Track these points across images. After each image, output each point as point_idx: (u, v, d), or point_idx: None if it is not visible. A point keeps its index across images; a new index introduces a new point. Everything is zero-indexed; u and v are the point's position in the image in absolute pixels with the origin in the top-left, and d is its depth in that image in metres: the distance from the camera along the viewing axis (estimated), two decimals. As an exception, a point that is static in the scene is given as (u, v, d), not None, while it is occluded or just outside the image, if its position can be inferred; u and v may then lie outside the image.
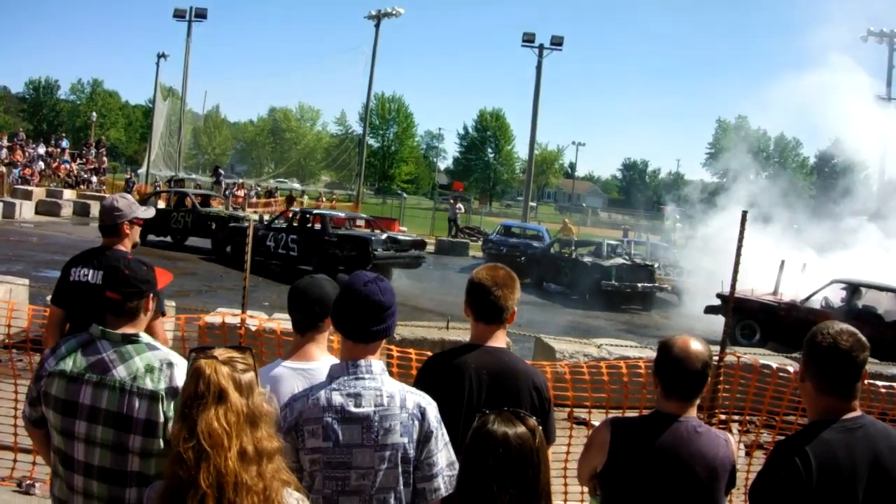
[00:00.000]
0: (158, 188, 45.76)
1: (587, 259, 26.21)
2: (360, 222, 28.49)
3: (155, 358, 3.42)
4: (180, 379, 3.37)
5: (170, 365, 3.42)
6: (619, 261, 25.50)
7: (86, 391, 3.35)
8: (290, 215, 26.54)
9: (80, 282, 5.22)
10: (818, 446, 2.94)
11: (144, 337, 3.51)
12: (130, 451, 3.32)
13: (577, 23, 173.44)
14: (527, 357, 9.12)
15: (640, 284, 24.56)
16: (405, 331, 9.79)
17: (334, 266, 20.99)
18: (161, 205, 30.88)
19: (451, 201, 47.52)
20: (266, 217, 30.75)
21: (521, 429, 2.74)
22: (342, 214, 29.73)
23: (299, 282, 3.70)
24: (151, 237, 27.33)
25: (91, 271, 5.22)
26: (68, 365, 3.40)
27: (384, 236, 23.19)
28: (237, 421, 2.47)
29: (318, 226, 24.16)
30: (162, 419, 3.33)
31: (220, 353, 2.60)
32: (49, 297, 5.68)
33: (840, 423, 3.01)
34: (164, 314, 5.22)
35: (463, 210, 47.25)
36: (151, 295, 3.62)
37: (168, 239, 28.47)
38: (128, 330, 3.49)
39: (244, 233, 24.79)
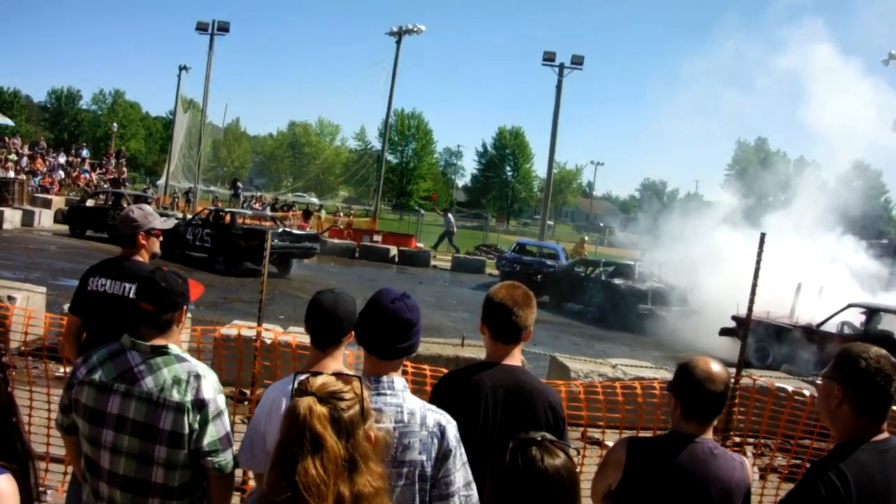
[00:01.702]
0: (176, 199, 46.40)
1: (619, 281, 25.96)
2: (267, 220, 32.43)
3: (183, 370, 3.44)
4: (207, 391, 3.39)
5: (197, 377, 3.43)
6: (655, 284, 25.20)
7: (114, 401, 3.38)
8: (206, 214, 30.59)
9: (98, 291, 5.22)
10: (855, 467, 2.92)
11: (174, 348, 3.53)
12: (155, 461, 3.35)
13: (598, 42, 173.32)
14: (541, 376, 9.11)
15: (674, 308, 24.00)
16: (420, 347, 9.73)
17: (240, 255, 26.33)
18: (90, 204, 33.78)
19: (443, 213, 48.03)
20: (188, 216, 33.85)
21: (563, 458, 2.75)
22: (249, 213, 34.53)
23: (322, 297, 3.63)
24: (90, 232, 31.19)
25: (109, 281, 5.22)
26: (98, 374, 3.44)
27: (280, 230, 27.33)
28: (335, 468, 2.32)
29: (227, 222, 28.31)
30: (187, 431, 3.35)
31: (322, 385, 2.43)
32: (66, 306, 5.69)
33: (871, 445, 2.99)
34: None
35: (453, 222, 46.92)
36: (185, 307, 3.64)
37: (105, 235, 30.51)
38: (158, 341, 3.51)
39: (171, 230, 27.33)
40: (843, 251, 24.10)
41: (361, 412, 2.43)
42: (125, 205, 30.12)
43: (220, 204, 44.30)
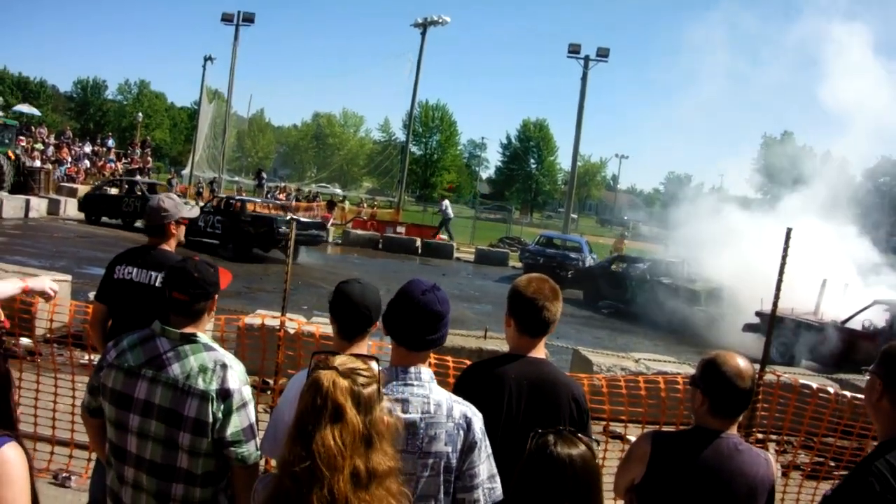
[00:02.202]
0: (201, 188, 46.87)
1: (668, 280, 24.75)
2: (276, 208, 33.01)
3: (210, 359, 3.46)
4: (233, 381, 3.41)
5: (223, 367, 3.45)
6: (709, 284, 23.64)
7: (141, 385, 3.40)
8: (217, 202, 31.72)
9: (125, 279, 5.25)
10: None
11: (203, 337, 3.55)
12: (180, 447, 3.37)
13: (624, 33, 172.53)
14: (564, 369, 9.08)
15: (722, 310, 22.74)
16: (442, 339, 9.74)
17: (249, 241, 27.87)
18: (114, 191, 34.44)
19: (439, 200, 47.24)
20: (200, 203, 35.11)
21: (583, 448, 2.77)
22: (259, 201, 34.65)
23: (349, 288, 3.63)
24: (105, 219, 32.02)
25: (135, 269, 5.25)
26: (127, 359, 3.47)
27: (287, 217, 27.99)
28: (353, 441, 2.39)
29: (237, 209, 29.25)
30: (211, 419, 3.36)
31: (342, 362, 2.52)
32: (92, 294, 5.73)
33: None
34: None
35: (449, 210, 45.90)
36: (216, 296, 3.66)
37: (118, 221, 31.83)
38: (188, 329, 3.52)
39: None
40: (868, 247, 23.92)
41: (378, 392, 2.50)
42: (139, 193, 31.97)
43: (244, 194, 44.45)
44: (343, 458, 2.34)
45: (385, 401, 2.56)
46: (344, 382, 2.43)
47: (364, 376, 2.49)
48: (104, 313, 5.41)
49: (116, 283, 5.27)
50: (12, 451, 2.44)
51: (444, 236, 42.47)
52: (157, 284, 5.11)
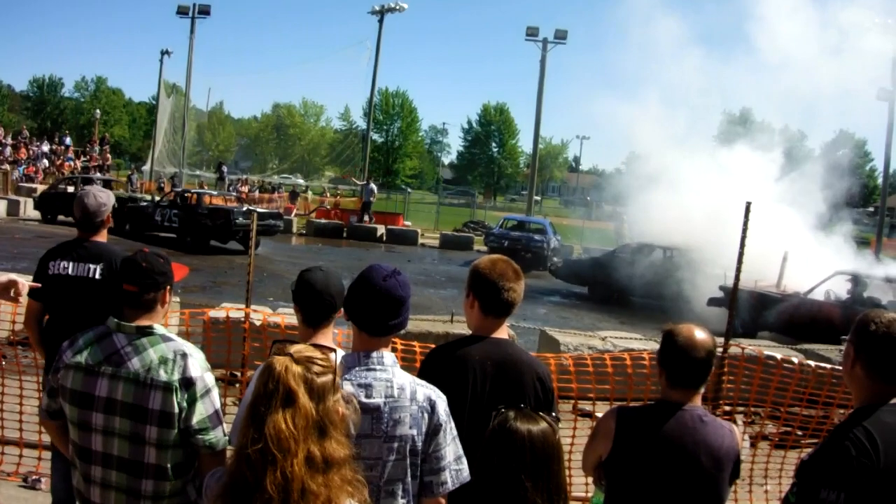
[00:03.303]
0: (162, 184, 46.87)
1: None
2: (232, 200, 34.02)
3: (169, 349, 3.44)
4: (194, 369, 3.40)
5: (184, 356, 3.43)
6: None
7: (101, 383, 3.38)
8: (173, 196, 31.80)
9: (60, 275, 5.16)
10: (880, 427, 2.91)
11: (159, 329, 3.53)
12: (147, 442, 3.35)
13: (581, 15, 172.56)
14: (531, 350, 9.14)
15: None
16: (410, 324, 9.75)
17: (206, 234, 27.81)
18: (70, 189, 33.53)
19: (364, 183, 44.67)
20: (156, 198, 34.15)
21: (543, 425, 2.81)
22: (216, 193, 36.11)
23: (311, 275, 3.65)
24: (62, 217, 31.67)
25: (71, 264, 5.17)
26: (84, 357, 3.43)
27: (244, 209, 28.60)
28: (305, 426, 2.38)
29: (193, 202, 29.54)
30: (176, 410, 3.35)
31: (298, 350, 2.51)
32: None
33: (890, 407, 3.00)
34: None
35: (376, 191, 44.37)
36: (169, 287, 3.64)
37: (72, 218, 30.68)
38: (143, 322, 3.50)
39: (140, 212, 29.15)
40: (828, 219, 24.16)
41: (333, 383, 2.50)
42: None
43: (206, 188, 44.22)
44: (296, 443, 2.35)
45: (341, 392, 2.56)
46: (297, 368, 2.43)
47: (319, 365, 2.49)
48: (39, 310, 5.35)
49: (51, 278, 5.17)
50: None
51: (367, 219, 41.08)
52: (96, 277, 5.10)
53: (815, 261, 19.22)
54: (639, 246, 25.46)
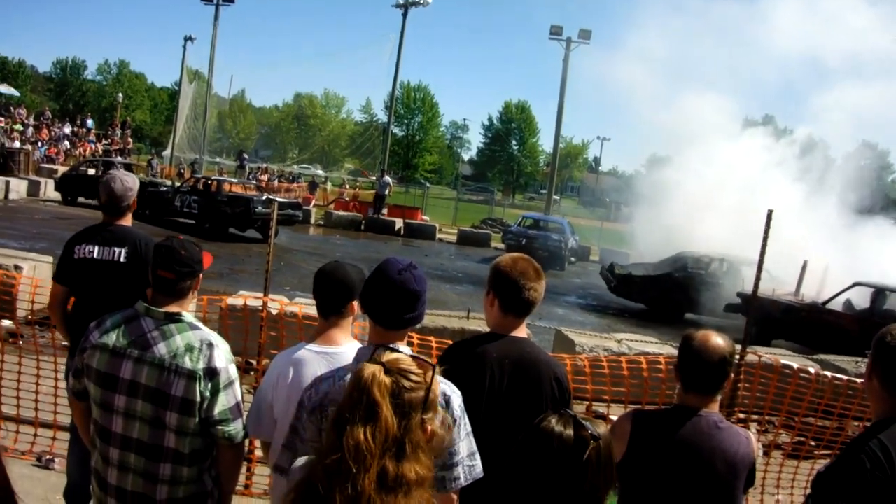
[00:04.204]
0: (182, 169, 47.07)
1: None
2: (252, 189, 33.79)
3: (196, 338, 3.47)
4: (219, 360, 3.41)
5: (210, 346, 3.46)
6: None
7: (126, 366, 3.40)
8: (193, 182, 31.56)
9: (86, 258, 5.18)
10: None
11: (188, 316, 3.55)
12: (167, 427, 3.38)
13: (607, 15, 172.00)
14: (546, 349, 9.12)
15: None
16: (426, 319, 9.72)
17: (225, 221, 27.68)
18: (91, 172, 33.69)
19: (379, 175, 44.36)
20: (176, 184, 34.22)
21: (603, 428, 2.77)
22: (236, 181, 35.96)
23: (325, 266, 3.69)
24: (81, 199, 31.65)
25: (97, 247, 5.18)
26: (111, 339, 3.46)
27: (264, 197, 28.54)
28: (383, 442, 2.24)
29: (213, 189, 29.43)
30: (198, 398, 3.38)
31: (392, 359, 2.37)
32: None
33: None
34: None
35: (391, 184, 43.20)
36: (200, 275, 3.67)
37: (95, 201, 30.48)
38: (172, 308, 3.52)
39: (160, 197, 29.14)
40: (849, 229, 24.00)
41: (425, 400, 2.36)
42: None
43: (226, 175, 44.33)
44: (371, 457, 2.22)
45: (435, 410, 2.43)
46: (385, 379, 2.30)
47: (412, 380, 2.35)
48: (65, 295, 5.37)
49: (77, 262, 5.20)
50: None
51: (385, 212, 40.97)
52: (122, 260, 5.12)
53: (836, 270, 19.06)
54: (696, 258, 23.23)
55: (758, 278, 7.03)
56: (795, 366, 7.86)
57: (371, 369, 2.32)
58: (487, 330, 3.92)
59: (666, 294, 22.13)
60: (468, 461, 3.15)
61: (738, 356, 6.83)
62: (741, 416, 7.75)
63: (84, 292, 5.21)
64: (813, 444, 8.14)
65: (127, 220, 5.41)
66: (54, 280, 5.48)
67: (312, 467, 2.39)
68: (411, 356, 2.48)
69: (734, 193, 24.43)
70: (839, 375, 7.98)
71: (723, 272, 22.03)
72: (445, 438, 2.54)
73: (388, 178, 42.81)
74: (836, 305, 17.53)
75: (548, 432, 2.61)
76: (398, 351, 2.47)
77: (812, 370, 7.90)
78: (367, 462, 2.22)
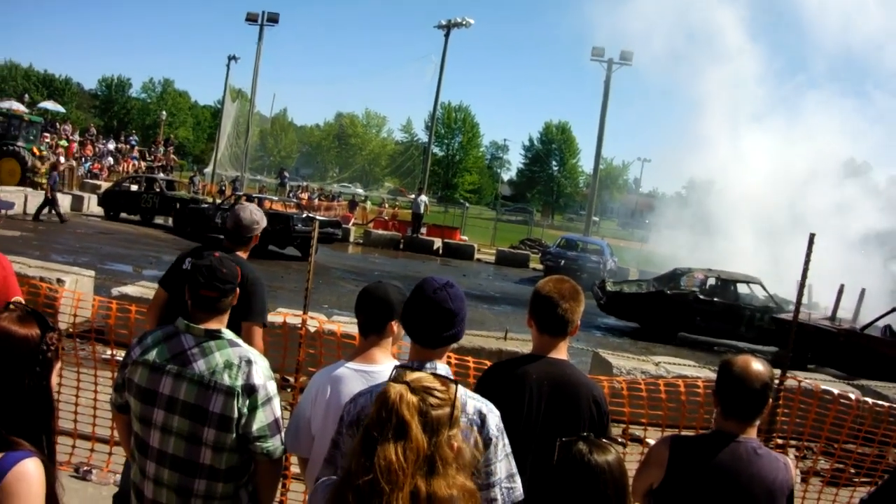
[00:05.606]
0: (223, 187, 47.55)
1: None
2: (292, 206, 34.05)
3: (235, 355, 3.50)
4: (258, 377, 3.45)
5: (249, 362, 3.49)
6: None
7: (166, 381, 3.45)
8: (234, 200, 31.21)
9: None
10: None
11: (227, 333, 3.60)
12: (203, 443, 3.41)
13: (648, 36, 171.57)
14: (583, 371, 9.09)
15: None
16: (463, 339, 9.73)
17: (265, 238, 23.94)
18: (134, 188, 35.30)
19: (416, 193, 44.07)
20: (217, 201, 34.84)
21: (614, 454, 2.80)
22: (276, 198, 36.93)
23: (373, 287, 3.71)
24: (123, 214, 32.66)
25: None
26: (152, 355, 3.51)
27: (304, 215, 28.87)
28: (416, 459, 2.28)
29: None
30: (236, 415, 3.40)
31: (416, 378, 2.42)
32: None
33: None
34: (265, 325, 5.32)
35: (425, 203, 42.09)
36: (238, 291, 3.72)
37: (137, 217, 32.89)
38: (212, 325, 3.58)
39: (201, 214, 29.77)
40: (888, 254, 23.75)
41: (450, 417, 2.40)
42: (157, 190, 33.08)
43: (266, 193, 44.62)
44: (404, 475, 2.26)
45: (460, 426, 2.46)
46: (412, 398, 2.35)
47: (437, 397, 2.39)
48: (164, 299, 5.52)
49: (184, 273, 5.32)
50: (32, 465, 2.39)
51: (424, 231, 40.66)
52: None
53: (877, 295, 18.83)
54: (690, 275, 22.84)
55: (798, 303, 6.97)
56: (836, 391, 7.77)
57: (397, 388, 2.36)
58: (524, 350, 3.92)
59: (656, 312, 21.56)
60: (507, 483, 3.11)
61: (777, 381, 6.80)
62: (779, 441, 7.67)
63: (179, 302, 5.32)
64: (853, 471, 8.04)
65: (244, 253, 5.55)
66: (159, 284, 5.66)
67: (338, 490, 2.40)
68: (433, 374, 2.53)
69: (778, 213, 24.28)
70: (880, 402, 7.88)
71: (717, 289, 21.84)
72: (473, 454, 2.56)
73: (423, 197, 42.38)
74: (875, 331, 17.31)
75: (594, 464, 2.67)
76: (420, 370, 2.52)
77: (853, 396, 7.81)
78: (400, 481, 2.24)
